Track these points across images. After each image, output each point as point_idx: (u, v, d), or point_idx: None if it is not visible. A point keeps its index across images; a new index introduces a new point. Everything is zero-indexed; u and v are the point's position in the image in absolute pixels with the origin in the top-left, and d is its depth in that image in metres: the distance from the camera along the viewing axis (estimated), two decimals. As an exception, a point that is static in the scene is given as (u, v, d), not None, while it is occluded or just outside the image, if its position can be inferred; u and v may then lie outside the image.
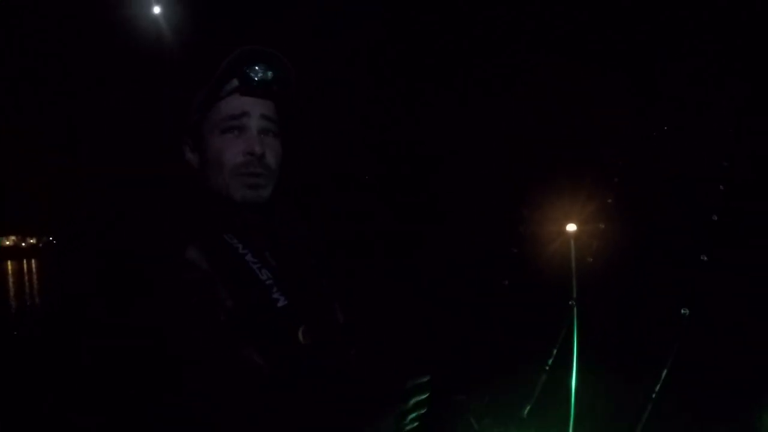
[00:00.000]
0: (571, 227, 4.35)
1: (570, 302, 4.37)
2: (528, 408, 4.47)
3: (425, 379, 1.49)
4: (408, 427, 1.46)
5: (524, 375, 4.53)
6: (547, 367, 4.52)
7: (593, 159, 4.24)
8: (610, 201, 4.17)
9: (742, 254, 3.60)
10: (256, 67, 1.59)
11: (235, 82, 1.60)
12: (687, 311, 3.83)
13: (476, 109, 4.52)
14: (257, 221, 1.61)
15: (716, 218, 3.58)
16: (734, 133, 3.54)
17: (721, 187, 3.54)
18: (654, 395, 3.87)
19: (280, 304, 1.47)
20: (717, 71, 3.58)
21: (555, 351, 4.50)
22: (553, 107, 4.24)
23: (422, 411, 1.49)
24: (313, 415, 1.40)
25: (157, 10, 3.34)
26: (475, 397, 4.51)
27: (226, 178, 1.58)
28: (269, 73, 1.60)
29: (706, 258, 3.71)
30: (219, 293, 1.42)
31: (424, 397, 1.48)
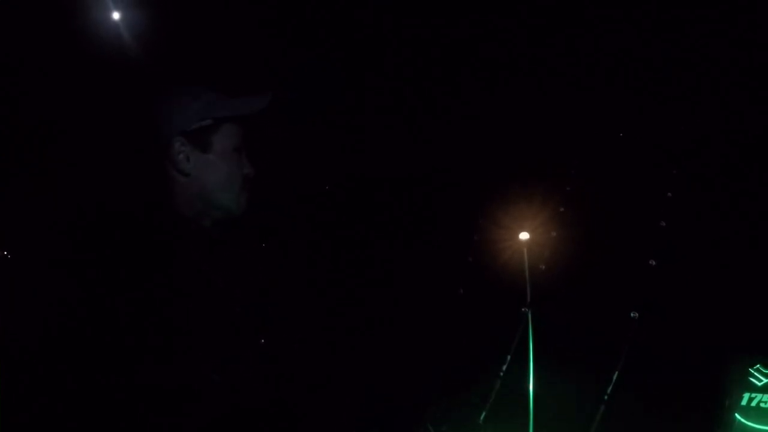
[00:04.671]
0: (525, 236, 4.46)
1: (523, 309, 4.47)
2: (484, 414, 4.54)
3: None
4: None
5: (480, 382, 4.59)
6: (502, 374, 4.60)
7: (545, 168, 4.35)
8: (562, 209, 4.29)
9: (689, 259, 3.75)
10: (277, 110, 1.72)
11: (256, 109, 1.70)
12: (636, 315, 3.98)
13: (430, 120, 4.59)
14: (222, 238, 1.69)
15: (664, 224, 3.73)
16: (682, 141, 3.71)
17: (669, 194, 3.69)
18: (606, 397, 3.99)
19: (239, 321, 1.54)
20: (665, 80, 3.75)
21: (509, 357, 4.59)
22: (505, 118, 4.34)
23: None
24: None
25: (116, 15, 3.30)
26: (432, 404, 4.55)
27: (238, 192, 1.70)
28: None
29: (654, 263, 3.87)
30: (178, 310, 1.46)
31: None
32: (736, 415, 3.40)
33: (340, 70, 3.89)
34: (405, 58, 4.16)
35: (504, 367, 4.58)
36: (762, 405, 3.36)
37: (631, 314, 3.96)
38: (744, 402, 3.39)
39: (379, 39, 4.08)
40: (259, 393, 1.46)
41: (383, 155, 4.43)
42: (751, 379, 3.42)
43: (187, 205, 1.66)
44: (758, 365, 3.39)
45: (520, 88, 4.26)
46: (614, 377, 3.96)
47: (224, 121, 1.69)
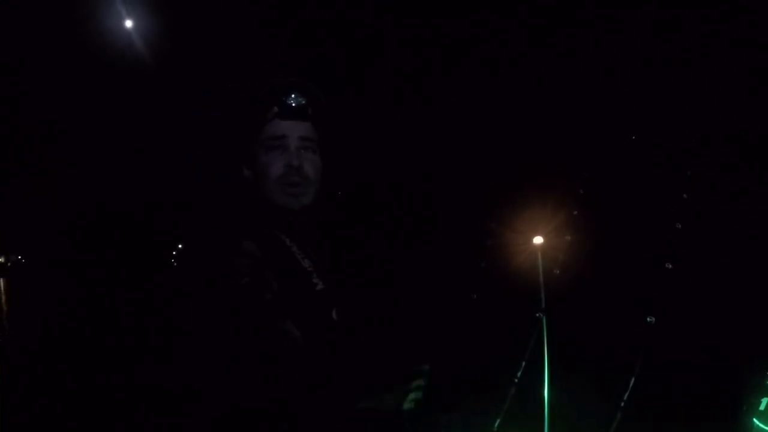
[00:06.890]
0: (539, 240, 4.42)
1: (537, 314, 4.42)
2: (498, 421, 4.49)
3: (425, 368, 1.76)
4: (406, 404, 1.71)
5: (494, 388, 4.55)
6: (516, 380, 4.55)
7: (559, 172, 4.32)
8: (576, 213, 4.25)
9: (705, 262, 3.70)
10: (292, 95, 1.88)
11: (275, 109, 1.87)
12: (653, 319, 3.92)
13: (444, 125, 4.58)
14: (301, 222, 1.87)
15: (680, 227, 3.69)
16: (696, 144, 3.66)
17: (684, 195, 3.64)
18: (623, 403, 3.93)
19: (318, 287, 1.71)
20: (679, 83, 3.70)
21: (523, 363, 4.55)
22: (519, 122, 4.32)
23: (419, 393, 1.73)
24: (336, 379, 1.61)
25: (129, 23, 3.33)
26: (447, 410, 4.51)
27: (271, 187, 1.85)
28: (302, 100, 1.89)
29: (670, 266, 3.81)
30: (267, 277, 1.64)
31: (422, 382, 1.74)
32: (755, 420, 3.33)
33: (339, 68, 3.93)
34: (405, 58, 4.18)
35: (519, 373, 4.53)
36: (781, 410, 3.29)
37: (647, 319, 3.91)
38: (762, 407, 3.32)
39: (379, 39, 4.11)
40: (259, 393, 1.52)
41: (394, 158, 4.42)
42: (770, 383, 3.35)
43: (262, 205, 1.85)
44: (777, 370, 3.33)
45: (530, 91, 4.24)
46: (631, 383, 3.90)
47: (256, 132, 1.89)
